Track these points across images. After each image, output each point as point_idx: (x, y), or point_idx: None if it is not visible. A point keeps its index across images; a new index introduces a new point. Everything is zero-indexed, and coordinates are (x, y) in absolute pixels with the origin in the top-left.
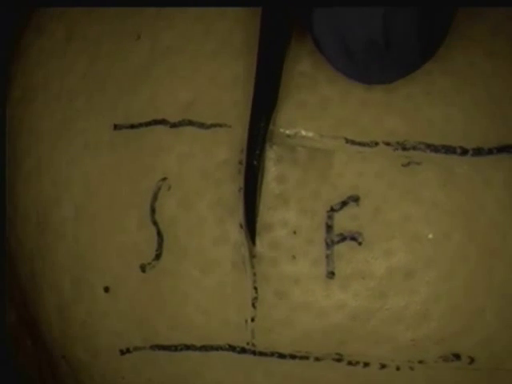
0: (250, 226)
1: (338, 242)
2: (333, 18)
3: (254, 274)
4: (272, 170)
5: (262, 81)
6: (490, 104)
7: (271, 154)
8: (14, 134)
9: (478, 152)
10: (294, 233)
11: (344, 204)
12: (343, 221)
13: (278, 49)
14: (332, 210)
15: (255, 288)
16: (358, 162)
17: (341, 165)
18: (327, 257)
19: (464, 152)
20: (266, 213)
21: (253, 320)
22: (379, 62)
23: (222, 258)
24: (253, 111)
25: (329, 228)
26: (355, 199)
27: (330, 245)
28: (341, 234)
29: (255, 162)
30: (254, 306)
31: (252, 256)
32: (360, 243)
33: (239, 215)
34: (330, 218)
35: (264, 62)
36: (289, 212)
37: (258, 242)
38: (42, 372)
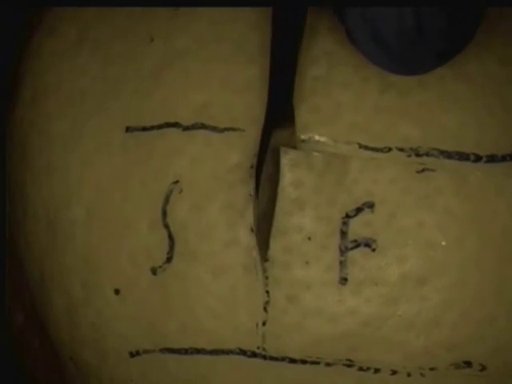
0: (262, 229)
1: (352, 248)
2: (365, 11)
3: (267, 278)
4: (288, 174)
5: (275, 84)
6: (503, 111)
7: (287, 159)
8: (25, 134)
9: (492, 159)
10: (309, 239)
11: (359, 210)
12: (357, 227)
13: (290, 51)
14: (347, 216)
15: (267, 292)
16: (372, 169)
17: (356, 171)
18: (340, 263)
19: (477, 159)
20: (282, 217)
21: (264, 324)
22: (413, 51)
23: (233, 261)
24: (267, 112)
25: (343, 234)
26: (370, 205)
27: (343, 251)
28: (355, 241)
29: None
30: (265, 309)
31: (264, 260)
32: (374, 249)
33: (250, 219)
34: (344, 224)
35: (277, 64)
36: (304, 218)
37: (271, 245)
38: (49, 374)
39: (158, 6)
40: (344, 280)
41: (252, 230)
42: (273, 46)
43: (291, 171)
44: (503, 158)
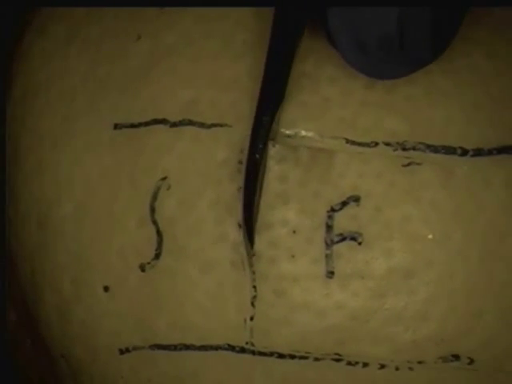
0: (249, 224)
1: (338, 241)
2: (347, 13)
3: (253, 273)
4: (274, 168)
5: (270, 77)
6: (490, 105)
7: (274, 152)
8: (15, 133)
9: (478, 153)
10: (294, 232)
11: (344, 204)
12: (343, 221)
13: (289, 46)
14: (332, 210)
15: (254, 287)
16: (358, 163)
17: (342, 165)
18: (327, 256)
19: (464, 152)
20: (267, 211)
21: (252, 319)
22: (392, 58)
23: (221, 257)
24: (259, 106)
25: (329, 228)
26: (356, 199)
27: (329, 244)
28: (341, 234)
29: (257, 157)
30: (253, 304)
31: (251, 255)
32: (360, 243)
33: (238, 214)
34: (330, 217)
35: (274, 58)
36: (289, 211)
37: (257, 240)
38: (41, 372)
39: (158, 6)
40: (331, 274)
41: (239, 225)
42: (272, 39)
43: (277, 165)
44: (490, 152)
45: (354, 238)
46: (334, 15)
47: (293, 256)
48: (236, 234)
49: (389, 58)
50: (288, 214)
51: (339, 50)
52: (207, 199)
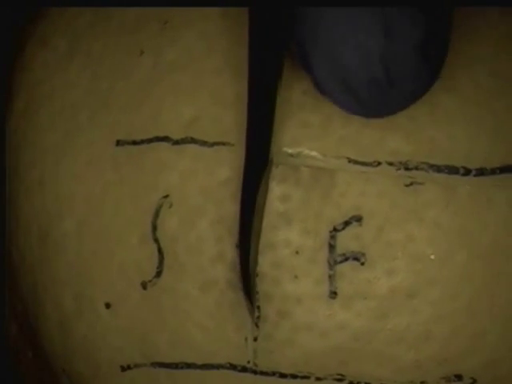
0: (244, 245)
1: (341, 261)
2: (332, 61)
3: (257, 293)
4: (275, 189)
5: (255, 102)
6: (494, 124)
7: (275, 173)
8: (17, 146)
9: (481, 172)
10: (297, 253)
11: (347, 224)
12: (346, 241)
13: (271, 68)
14: (335, 229)
15: (258, 307)
16: (360, 182)
17: (344, 184)
18: (330, 277)
19: (467, 172)
20: (269, 232)
21: (255, 339)
22: (385, 97)
23: (219, 276)
24: (248, 132)
25: (331, 248)
26: (358, 219)
27: (332, 265)
28: (343, 254)
29: (252, 183)
30: (256, 325)
31: (255, 275)
32: (362, 263)
33: (236, 234)
34: (332, 237)
35: (257, 82)
36: (292, 232)
37: (260, 260)
38: None
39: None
40: (334, 294)
41: (237, 245)
42: (251, 61)
43: (279, 185)
44: (493, 171)
45: (356, 258)
46: (319, 63)
47: (296, 276)
48: (233, 254)
49: (382, 97)
50: (291, 234)
51: (328, 96)
52: (208, 218)
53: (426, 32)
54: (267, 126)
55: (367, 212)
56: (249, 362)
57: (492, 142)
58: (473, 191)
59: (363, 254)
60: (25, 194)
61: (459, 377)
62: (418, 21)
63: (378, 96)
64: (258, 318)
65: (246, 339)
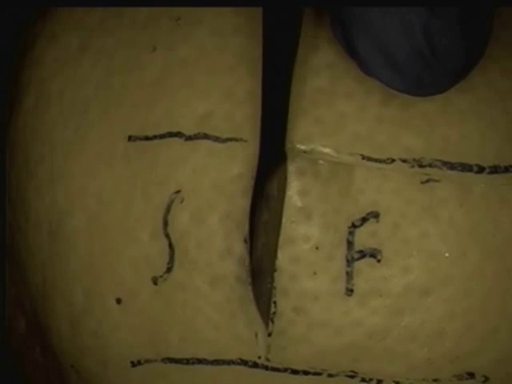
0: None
1: (358, 258)
2: (375, 39)
3: (274, 288)
4: (294, 183)
5: (269, 96)
6: (507, 122)
7: (293, 167)
8: (27, 142)
9: (495, 170)
10: (317, 248)
11: (364, 220)
12: (363, 237)
13: (284, 65)
14: (353, 225)
15: (274, 302)
16: (377, 179)
17: (361, 180)
18: (347, 273)
19: (480, 170)
20: (289, 226)
21: (270, 335)
22: (429, 72)
23: (227, 272)
24: (262, 126)
25: (349, 244)
26: (375, 215)
27: (350, 261)
28: (361, 251)
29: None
30: (272, 320)
31: (273, 270)
32: (379, 260)
33: (245, 230)
34: (351, 233)
35: (270, 77)
36: (311, 227)
37: (279, 255)
38: (49, 382)
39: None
40: (350, 291)
41: (246, 241)
42: (265, 61)
43: (298, 179)
44: (506, 169)
45: (373, 255)
46: (362, 42)
47: (315, 273)
48: (242, 249)
49: (426, 73)
50: (311, 229)
51: (376, 75)
52: (219, 213)
53: (469, 10)
54: (281, 121)
55: (384, 208)
56: (260, 357)
57: (505, 140)
58: (486, 189)
59: (380, 251)
60: (35, 190)
61: (471, 374)
62: None
63: (422, 70)
64: (274, 313)
65: (256, 334)
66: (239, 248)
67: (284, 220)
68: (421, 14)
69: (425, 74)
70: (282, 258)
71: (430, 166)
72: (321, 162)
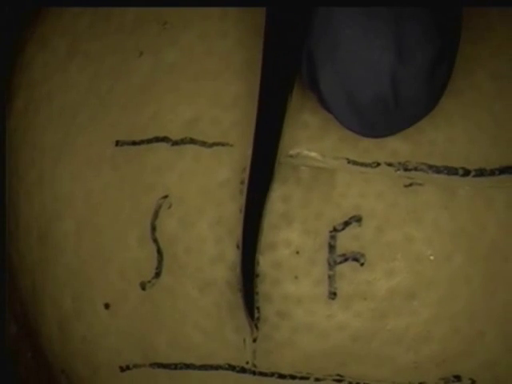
0: (249, 245)
1: (341, 262)
2: (339, 77)
3: (257, 294)
4: (277, 189)
5: (267, 103)
6: (493, 125)
7: (276, 173)
8: (16, 146)
9: (480, 173)
10: (297, 253)
11: (347, 224)
12: (346, 241)
13: (286, 69)
14: (335, 230)
15: (257, 308)
16: (360, 183)
17: (343, 185)
18: (329, 277)
19: (466, 173)
20: (270, 232)
21: (255, 340)
22: (387, 117)
23: (218, 277)
24: (257, 132)
25: (331, 248)
26: (358, 219)
27: (332, 265)
28: (343, 255)
29: (259, 183)
30: (256, 326)
31: (255, 275)
32: (362, 264)
33: (237, 235)
34: (332, 238)
35: (270, 83)
36: (292, 232)
37: (261, 261)
38: None
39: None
40: (333, 295)
41: (238, 246)
42: (265, 62)
43: (279, 185)
44: (492, 172)
45: (356, 259)
46: (326, 79)
47: (296, 277)
48: (233, 255)
49: (385, 118)
50: (291, 234)
51: (333, 113)
52: (208, 219)
53: (438, 53)
54: (277, 128)
55: (367, 212)
56: (247, 362)
57: (491, 143)
58: (472, 192)
59: (363, 255)
60: (24, 194)
61: (458, 377)
62: (431, 39)
63: (382, 116)
64: (258, 318)
65: (244, 340)
66: (230, 254)
67: (265, 225)
68: (391, 62)
69: (382, 119)
70: (264, 263)
71: (416, 169)
72: (303, 167)
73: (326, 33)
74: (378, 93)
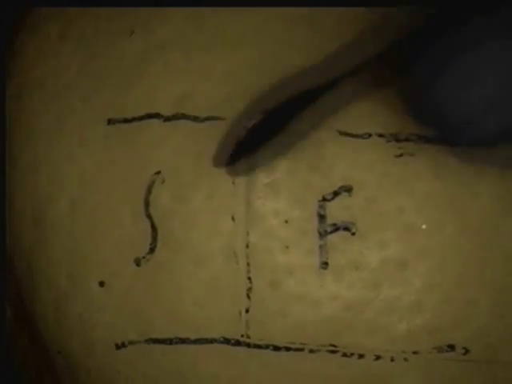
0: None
1: (331, 232)
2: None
3: (248, 264)
4: (260, 160)
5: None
6: None
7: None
8: (11, 131)
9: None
10: (286, 222)
11: (336, 194)
12: (336, 211)
13: None
14: (324, 199)
15: (249, 278)
16: (350, 153)
17: (332, 155)
18: (320, 247)
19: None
20: (257, 202)
21: (247, 311)
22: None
23: (215, 250)
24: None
25: (321, 218)
26: (348, 189)
27: (322, 235)
28: (334, 224)
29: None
30: (248, 296)
31: (246, 246)
32: (353, 233)
33: (232, 207)
34: (321, 207)
35: None
36: (279, 202)
37: (250, 232)
38: (38, 368)
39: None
40: (325, 264)
41: (233, 218)
42: None
43: (263, 156)
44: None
45: (347, 228)
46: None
47: (287, 247)
48: (229, 227)
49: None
50: (279, 204)
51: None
52: (201, 193)
53: None
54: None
55: (357, 183)
56: (242, 335)
57: None
58: (463, 162)
59: (354, 224)
60: (18, 177)
61: (452, 347)
62: None
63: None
64: (250, 289)
65: (239, 312)
66: (226, 226)
67: (252, 197)
68: None
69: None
70: (254, 233)
71: (407, 140)
72: (287, 139)
73: (441, 59)
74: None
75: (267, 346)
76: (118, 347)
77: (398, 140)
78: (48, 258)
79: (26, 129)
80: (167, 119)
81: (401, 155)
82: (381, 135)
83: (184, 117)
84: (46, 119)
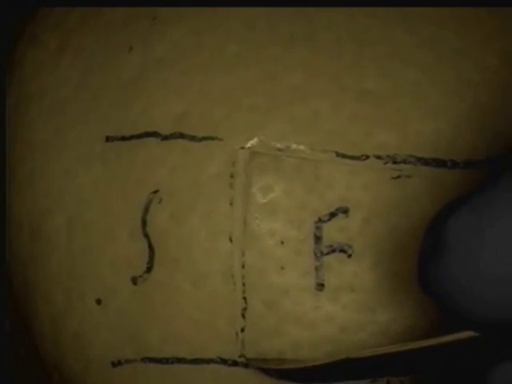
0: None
1: (327, 253)
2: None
3: (244, 285)
4: (256, 179)
5: None
6: (479, 116)
7: (257, 163)
8: (8, 143)
9: (469, 165)
10: (282, 243)
11: (333, 215)
12: (332, 232)
13: None
14: (320, 220)
15: (244, 298)
16: (346, 174)
17: (329, 176)
18: (316, 268)
19: (454, 165)
20: (253, 223)
21: (242, 330)
22: None
23: (212, 270)
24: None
25: (317, 239)
26: (344, 211)
27: (318, 256)
28: (330, 246)
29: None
30: (243, 316)
31: (242, 266)
32: (349, 255)
33: (229, 228)
34: (318, 228)
35: None
36: (276, 222)
37: (246, 252)
38: (35, 382)
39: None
40: (320, 286)
41: (230, 239)
42: None
43: (260, 176)
44: (479, 164)
45: (343, 250)
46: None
47: (282, 268)
48: (227, 247)
49: None
50: (275, 224)
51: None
52: (199, 212)
53: None
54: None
55: (353, 204)
56: (240, 356)
57: (478, 134)
58: (460, 184)
59: (350, 247)
60: (16, 190)
61: None
62: None
63: None
64: (245, 309)
65: (236, 333)
66: (224, 246)
67: (248, 217)
68: None
69: None
70: (250, 253)
71: (404, 162)
72: (284, 157)
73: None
74: None
75: None
76: (114, 365)
77: (395, 162)
78: (44, 274)
79: (23, 141)
80: (165, 138)
81: (398, 177)
82: (378, 157)
83: (181, 136)
84: (43, 132)
